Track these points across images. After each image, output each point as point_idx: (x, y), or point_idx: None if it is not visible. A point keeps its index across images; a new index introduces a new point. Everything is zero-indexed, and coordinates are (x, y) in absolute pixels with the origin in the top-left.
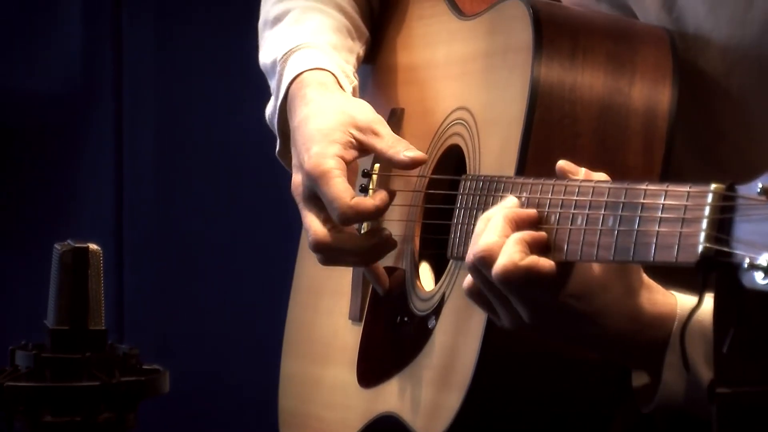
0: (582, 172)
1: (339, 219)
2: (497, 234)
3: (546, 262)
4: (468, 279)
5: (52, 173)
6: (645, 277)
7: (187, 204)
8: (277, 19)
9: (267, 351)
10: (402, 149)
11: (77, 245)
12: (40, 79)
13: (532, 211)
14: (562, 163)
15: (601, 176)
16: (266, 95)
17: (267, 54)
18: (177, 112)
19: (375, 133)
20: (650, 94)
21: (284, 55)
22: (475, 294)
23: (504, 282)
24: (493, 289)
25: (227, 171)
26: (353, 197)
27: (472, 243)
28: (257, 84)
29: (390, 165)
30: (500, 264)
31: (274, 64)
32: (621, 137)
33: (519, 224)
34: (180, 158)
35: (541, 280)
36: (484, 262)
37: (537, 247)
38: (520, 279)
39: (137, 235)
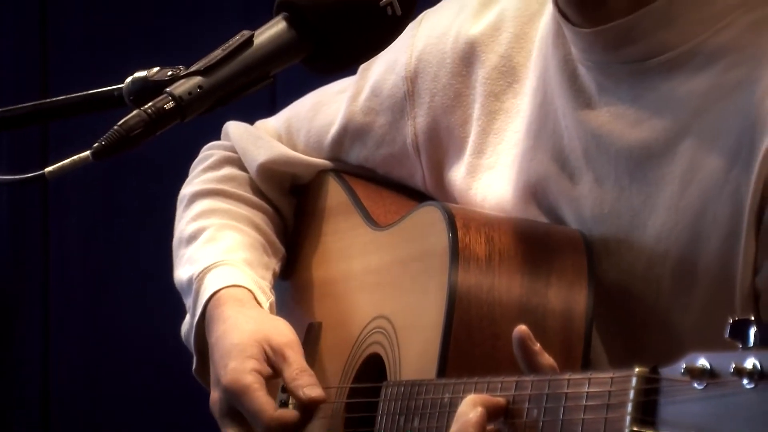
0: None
1: None
2: None
3: None
4: None
5: None
6: None
7: (115, 407)
8: (193, 237)
9: None
10: (304, 384)
11: None
12: None
13: None
14: (522, 328)
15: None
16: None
17: (182, 272)
18: (103, 327)
19: (284, 358)
20: (567, 294)
21: (200, 273)
22: None
23: None
24: None
25: (156, 372)
26: (276, 409)
27: None
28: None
29: (291, 396)
30: None
31: (190, 282)
32: (540, 337)
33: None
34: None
35: None
36: None
37: None
38: None
39: None
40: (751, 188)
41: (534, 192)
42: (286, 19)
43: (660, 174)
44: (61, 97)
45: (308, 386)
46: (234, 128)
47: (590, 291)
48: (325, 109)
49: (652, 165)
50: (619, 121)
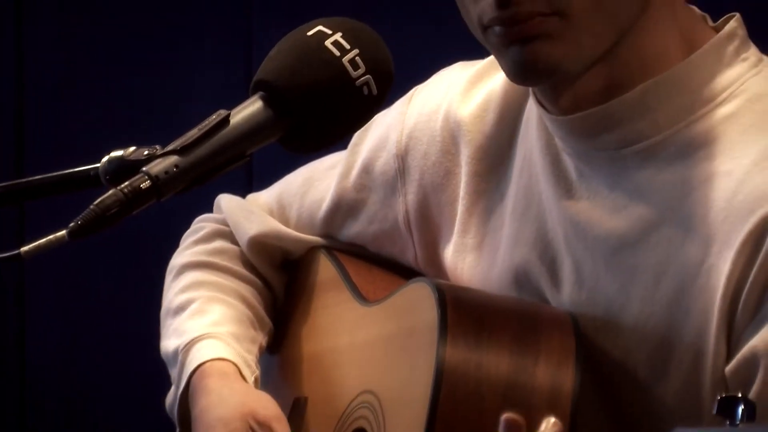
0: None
1: None
2: None
3: None
4: None
5: None
6: None
7: None
8: (180, 309)
9: None
10: None
11: None
12: None
13: None
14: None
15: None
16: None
17: (169, 343)
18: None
19: (271, 431)
20: (554, 374)
21: (186, 345)
22: None
23: None
24: None
25: None
26: None
27: None
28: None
29: None
30: None
31: (176, 353)
32: (526, 414)
33: None
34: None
35: None
36: None
37: None
38: None
39: None
40: (721, 285)
41: (517, 275)
42: (263, 98)
43: (634, 263)
44: (36, 177)
45: None
46: (226, 201)
47: (577, 371)
48: (317, 184)
49: (626, 254)
50: (597, 209)
